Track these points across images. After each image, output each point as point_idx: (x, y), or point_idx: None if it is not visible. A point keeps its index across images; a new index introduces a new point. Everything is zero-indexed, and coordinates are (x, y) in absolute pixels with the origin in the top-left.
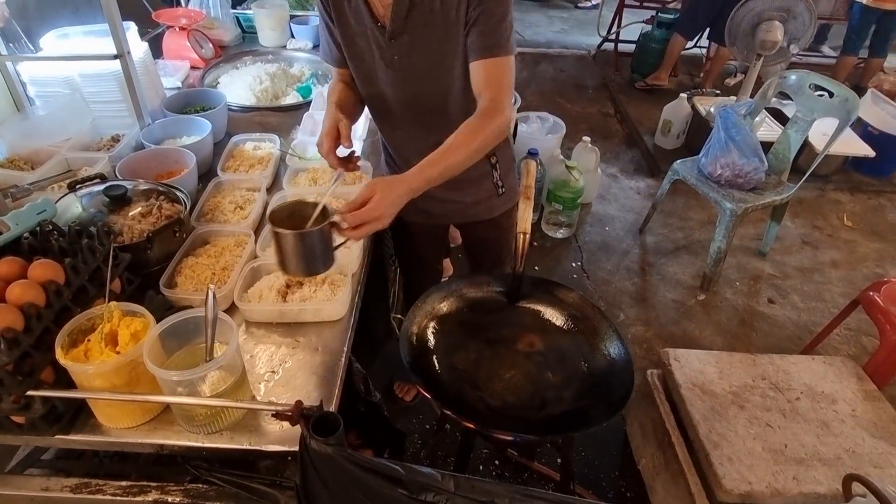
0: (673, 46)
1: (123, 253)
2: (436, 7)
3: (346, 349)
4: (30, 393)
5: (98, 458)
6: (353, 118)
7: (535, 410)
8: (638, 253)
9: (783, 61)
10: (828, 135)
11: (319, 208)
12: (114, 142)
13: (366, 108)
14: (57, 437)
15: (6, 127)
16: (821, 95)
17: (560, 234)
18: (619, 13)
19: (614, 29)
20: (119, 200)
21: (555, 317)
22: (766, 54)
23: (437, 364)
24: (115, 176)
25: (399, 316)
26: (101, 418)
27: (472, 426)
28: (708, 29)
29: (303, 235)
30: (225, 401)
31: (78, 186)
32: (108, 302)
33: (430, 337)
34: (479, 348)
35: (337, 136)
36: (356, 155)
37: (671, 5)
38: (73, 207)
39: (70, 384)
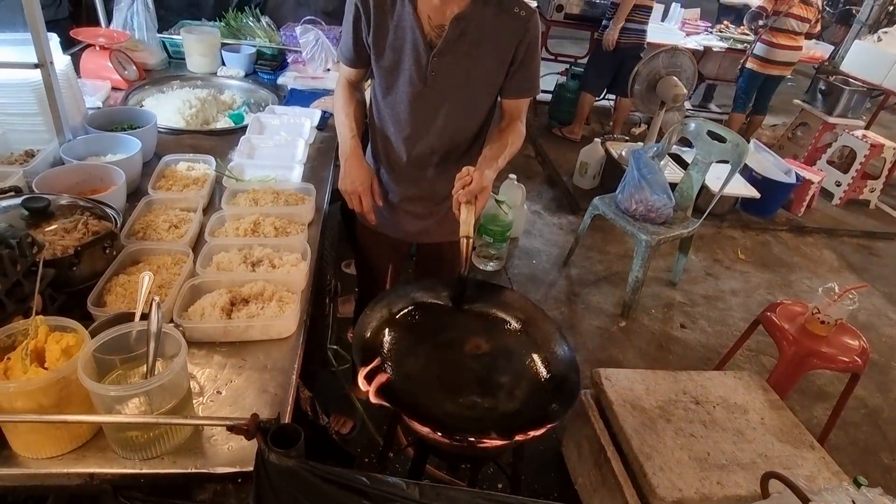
0: (583, 103)
1: (47, 268)
2: (485, 41)
3: (296, 367)
4: None
5: None
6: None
7: (488, 412)
8: (564, 284)
9: (679, 111)
10: (721, 178)
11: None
12: (28, 157)
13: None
14: None
15: None
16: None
17: (490, 266)
18: None
19: None
20: (39, 214)
21: (499, 319)
22: (673, 106)
23: (390, 371)
24: (32, 191)
25: (335, 347)
26: (18, 447)
27: (445, 438)
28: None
29: None
30: (173, 417)
31: None
32: (34, 316)
33: (384, 343)
34: (427, 353)
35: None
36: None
37: (582, 60)
38: None
39: None
